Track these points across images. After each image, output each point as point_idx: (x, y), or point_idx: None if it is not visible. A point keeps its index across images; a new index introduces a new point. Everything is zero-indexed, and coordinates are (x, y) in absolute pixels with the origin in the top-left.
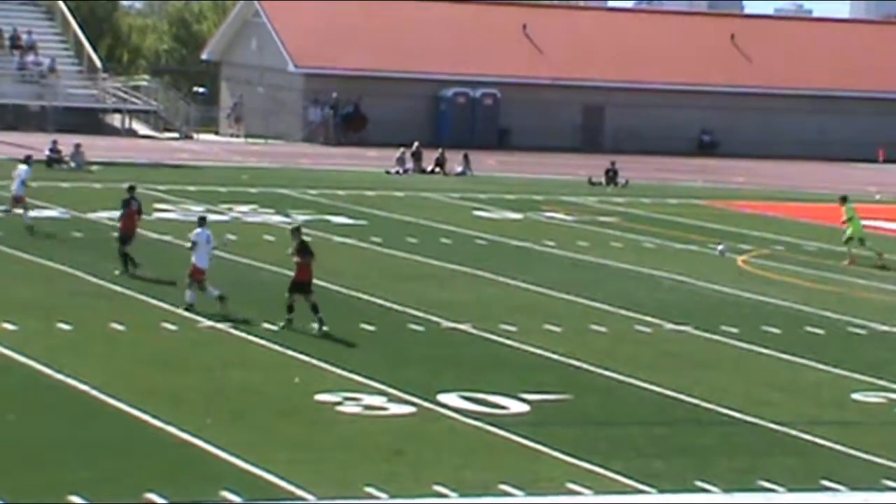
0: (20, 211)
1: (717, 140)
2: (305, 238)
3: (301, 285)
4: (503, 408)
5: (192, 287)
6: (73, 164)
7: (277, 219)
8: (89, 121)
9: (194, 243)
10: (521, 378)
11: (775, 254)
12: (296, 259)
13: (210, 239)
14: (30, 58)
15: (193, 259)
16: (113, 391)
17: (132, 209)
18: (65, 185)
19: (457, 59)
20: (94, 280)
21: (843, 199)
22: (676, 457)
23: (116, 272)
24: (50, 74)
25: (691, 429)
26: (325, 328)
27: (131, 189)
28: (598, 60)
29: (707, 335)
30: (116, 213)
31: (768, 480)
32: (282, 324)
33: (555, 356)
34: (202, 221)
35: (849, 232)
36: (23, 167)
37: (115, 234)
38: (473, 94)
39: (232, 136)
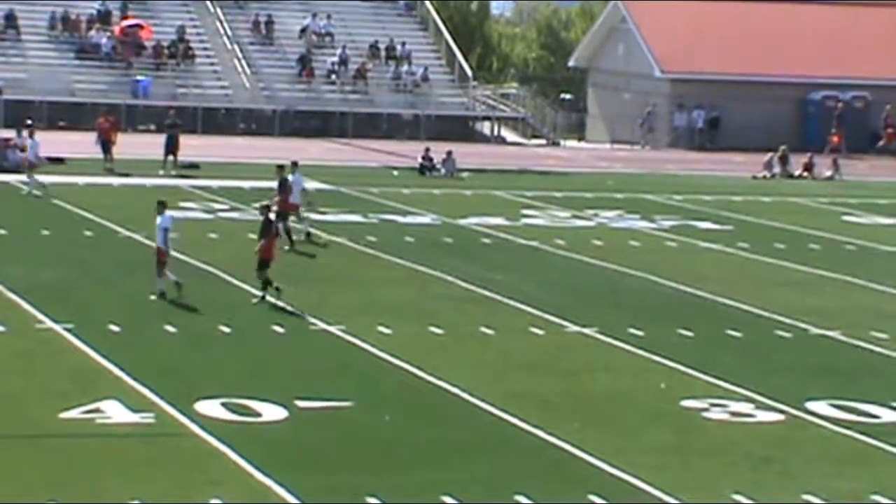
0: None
1: None
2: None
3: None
4: (875, 417)
5: (160, 272)
6: (444, 171)
7: (643, 224)
8: (459, 128)
9: (166, 229)
10: (894, 387)
11: None
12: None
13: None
14: (404, 68)
15: (158, 243)
16: (483, 394)
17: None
18: (436, 191)
19: (825, 61)
20: (464, 284)
21: None
22: None
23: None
24: (423, 84)
25: None
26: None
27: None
28: None
29: None
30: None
31: None
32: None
33: None
34: (163, 206)
35: None
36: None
37: None
38: (843, 97)
39: (642, 146)
